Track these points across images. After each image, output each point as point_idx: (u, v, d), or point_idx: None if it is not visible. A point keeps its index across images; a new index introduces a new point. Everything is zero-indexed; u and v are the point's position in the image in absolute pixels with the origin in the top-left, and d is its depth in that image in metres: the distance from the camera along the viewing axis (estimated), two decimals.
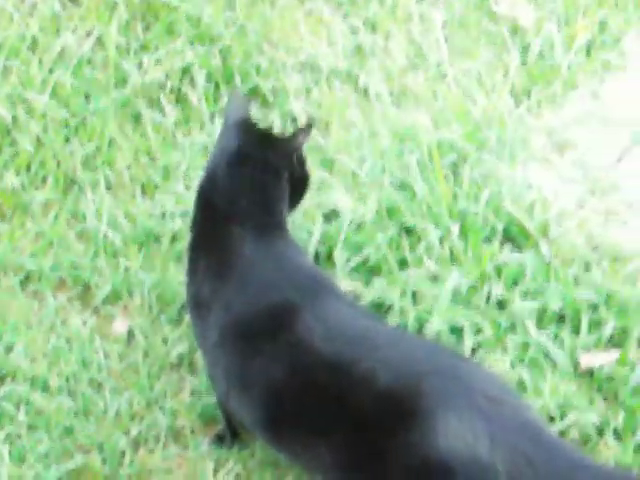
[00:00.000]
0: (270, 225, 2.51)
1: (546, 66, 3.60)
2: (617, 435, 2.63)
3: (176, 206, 3.17)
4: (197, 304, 2.53)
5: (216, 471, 2.59)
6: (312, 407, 2.29)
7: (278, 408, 2.36)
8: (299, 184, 2.59)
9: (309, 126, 2.63)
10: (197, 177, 3.19)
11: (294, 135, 2.53)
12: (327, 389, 2.25)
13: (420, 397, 2.11)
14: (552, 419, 2.61)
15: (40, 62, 3.24)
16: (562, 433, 2.60)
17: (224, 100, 3.44)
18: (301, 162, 2.57)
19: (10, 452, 2.58)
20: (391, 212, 3.03)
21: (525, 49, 3.66)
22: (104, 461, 2.60)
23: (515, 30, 3.71)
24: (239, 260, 2.45)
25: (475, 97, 3.42)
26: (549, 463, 2.07)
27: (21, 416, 2.68)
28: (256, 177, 2.51)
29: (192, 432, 2.70)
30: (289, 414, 2.35)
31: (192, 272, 2.55)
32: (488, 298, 2.85)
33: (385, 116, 3.33)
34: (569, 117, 3.50)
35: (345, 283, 2.85)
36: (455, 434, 2.07)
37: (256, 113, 3.40)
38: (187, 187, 3.22)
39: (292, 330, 2.32)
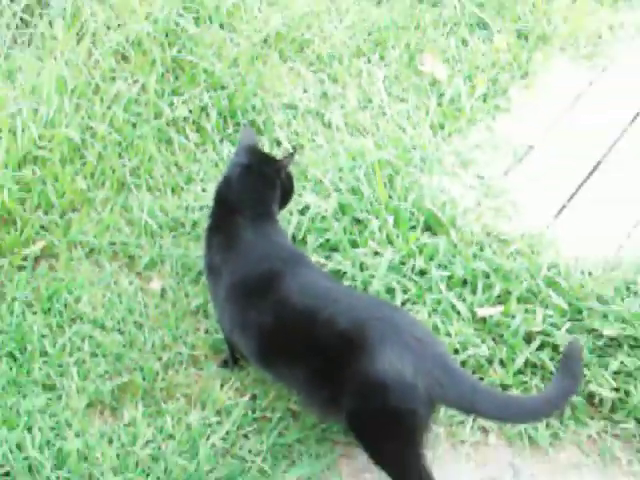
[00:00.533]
0: (264, 216, 2.51)
1: (455, 108, 3.57)
2: (502, 364, 2.60)
3: (195, 202, 3.14)
4: (211, 270, 2.53)
5: (222, 385, 2.55)
6: (290, 343, 2.28)
7: (266, 343, 2.35)
8: (287, 191, 2.62)
9: (293, 153, 2.67)
10: (211, 182, 3.17)
11: (284, 158, 2.56)
12: (301, 330, 2.26)
13: (365, 336, 2.13)
14: (456, 352, 2.60)
15: (101, 101, 3.18)
16: (463, 362, 2.58)
17: (229, 130, 3.42)
18: (289, 177, 2.61)
19: (78, 372, 2.53)
20: (345, 208, 2.99)
21: (441, 96, 3.64)
22: (143, 378, 2.55)
23: (434, 83, 3.69)
24: (241, 239, 2.46)
25: (405, 129, 3.39)
26: (453, 384, 2.09)
27: (85, 347, 2.62)
28: (257, 184, 2.54)
29: (205, 358, 2.65)
30: (274, 347, 2.34)
31: (208, 247, 2.55)
32: (413, 268, 2.82)
33: (342, 141, 3.30)
34: (471, 143, 3.48)
35: (313, 257, 2.79)
36: (389, 362, 2.09)
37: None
38: (203, 189, 3.18)
39: (277, 288, 2.33)
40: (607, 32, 4.19)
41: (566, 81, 3.89)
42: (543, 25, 4.07)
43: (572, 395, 2.19)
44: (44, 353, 2.60)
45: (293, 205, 2.98)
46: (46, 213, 2.99)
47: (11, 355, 2.59)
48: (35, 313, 2.71)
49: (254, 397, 2.54)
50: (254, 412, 2.50)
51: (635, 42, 4.22)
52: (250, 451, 2.39)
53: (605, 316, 2.67)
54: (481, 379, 2.57)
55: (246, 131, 2.73)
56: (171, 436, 2.39)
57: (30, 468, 2.26)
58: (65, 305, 2.75)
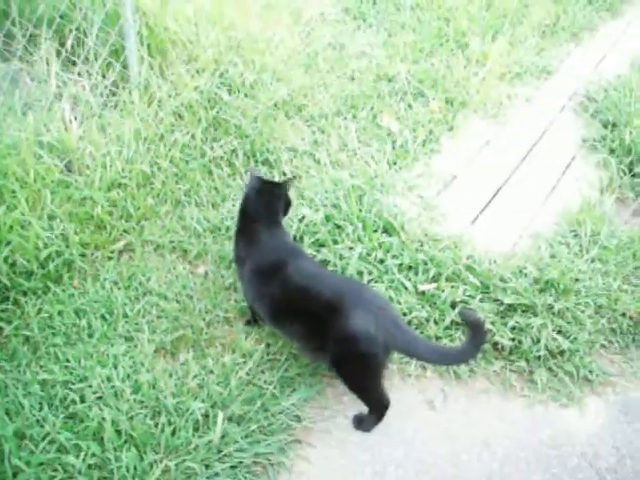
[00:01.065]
0: (273, 223, 2.47)
1: (404, 150, 3.58)
2: (435, 322, 2.63)
3: (228, 213, 3.11)
4: (238, 260, 2.50)
5: (246, 337, 2.54)
6: (292, 308, 2.28)
7: (276, 309, 2.34)
8: (288, 204, 2.56)
9: (292, 178, 2.67)
10: (238, 200, 3.15)
11: (285, 182, 2.53)
12: (299, 299, 2.26)
13: (343, 304, 2.15)
14: (405, 314, 2.61)
15: (164, 145, 3.17)
16: (409, 321, 2.61)
17: (250, 165, 3.40)
18: (288, 195, 2.55)
19: (148, 328, 2.52)
20: (329, 217, 2.96)
21: (394, 142, 3.63)
22: (193, 332, 2.54)
23: (389, 133, 3.69)
24: (258, 239, 2.42)
25: (370, 164, 3.39)
26: (402, 337, 2.13)
27: (153, 311, 2.61)
28: (267, 200, 2.49)
29: (235, 319, 2.63)
30: (281, 311, 2.33)
31: (236, 244, 2.51)
32: (375, 258, 2.80)
33: (327, 173, 3.29)
34: (414, 174, 3.47)
35: (307, 250, 2.78)
36: (359, 322, 2.12)
37: (266, 172, 3.36)
38: (233, 205, 3.15)
39: (283, 272, 2.31)
40: (506, 100, 4.20)
41: (479, 132, 3.89)
42: (463, 95, 4.07)
43: (479, 351, 2.22)
44: (125, 315, 2.58)
45: (294, 216, 2.98)
46: (127, 221, 2.97)
47: (103, 317, 2.57)
48: (119, 289, 2.69)
49: (268, 345, 2.53)
50: (268, 355, 2.49)
51: (524, 106, 4.23)
52: (265, 381, 2.39)
53: (505, 290, 2.70)
54: (421, 333, 2.58)
55: (253, 170, 2.68)
56: (211, 371, 2.38)
57: (116, 394, 2.26)
58: (140, 283, 2.73)
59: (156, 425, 2.17)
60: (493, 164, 3.63)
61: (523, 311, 2.65)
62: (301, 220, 2.97)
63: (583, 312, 2.69)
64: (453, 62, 4.31)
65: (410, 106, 3.92)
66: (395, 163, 3.50)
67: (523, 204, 3.35)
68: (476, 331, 2.10)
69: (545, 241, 3.04)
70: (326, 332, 2.17)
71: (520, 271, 2.80)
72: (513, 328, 2.60)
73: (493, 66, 4.21)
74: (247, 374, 2.39)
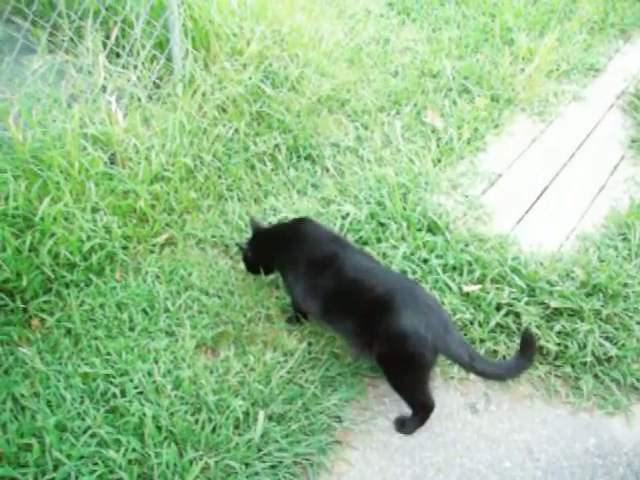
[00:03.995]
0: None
1: (448, 148, 3.50)
2: (479, 325, 2.55)
3: (270, 209, 3.08)
4: (281, 265, 2.53)
5: (288, 335, 2.52)
6: (344, 303, 2.25)
7: (328, 304, 2.30)
8: None
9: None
10: (281, 195, 3.13)
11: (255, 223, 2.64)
12: (351, 294, 2.23)
13: (394, 301, 2.11)
14: (448, 316, 2.50)
15: (207, 139, 3.14)
16: (453, 323, 2.50)
17: (294, 160, 3.38)
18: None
19: (190, 323, 2.49)
20: (373, 215, 2.93)
21: (438, 140, 3.55)
22: (234, 329, 2.51)
23: (434, 130, 3.61)
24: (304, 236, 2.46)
25: (414, 162, 3.32)
26: (451, 341, 2.08)
27: (195, 306, 2.58)
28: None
29: (277, 316, 2.60)
30: (333, 307, 2.29)
31: (272, 255, 2.54)
32: (419, 257, 2.75)
33: (372, 170, 3.24)
34: (459, 172, 3.40)
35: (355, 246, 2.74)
36: (409, 320, 2.07)
37: (309, 168, 3.32)
38: (277, 200, 3.12)
39: (335, 265, 2.29)
40: (553, 97, 4.09)
41: (524, 131, 3.80)
42: (509, 92, 3.98)
43: (526, 369, 2.19)
44: (166, 310, 2.56)
45: (337, 213, 2.94)
46: (169, 214, 2.95)
47: (144, 311, 2.55)
48: (161, 283, 2.68)
49: (310, 344, 2.49)
50: (309, 354, 2.46)
51: (572, 105, 4.11)
52: (306, 380, 2.35)
53: (551, 293, 2.61)
54: (465, 335, 2.52)
55: (254, 217, 2.68)
56: (252, 369, 2.35)
57: (157, 389, 2.24)
58: (181, 277, 2.71)
59: (196, 422, 2.15)
60: (539, 163, 3.53)
61: (570, 315, 2.57)
62: (344, 217, 2.92)
63: (631, 318, 2.59)
64: (499, 58, 4.20)
65: (455, 103, 3.84)
66: (440, 161, 3.43)
67: (570, 204, 3.25)
68: (526, 346, 2.06)
69: (593, 244, 2.95)
70: (375, 329, 2.14)
71: (567, 274, 2.71)
72: (559, 333, 2.52)
73: (540, 63, 4.09)
74: (288, 373, 2.36)
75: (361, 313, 2.18)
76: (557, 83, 4.26)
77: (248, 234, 2.93)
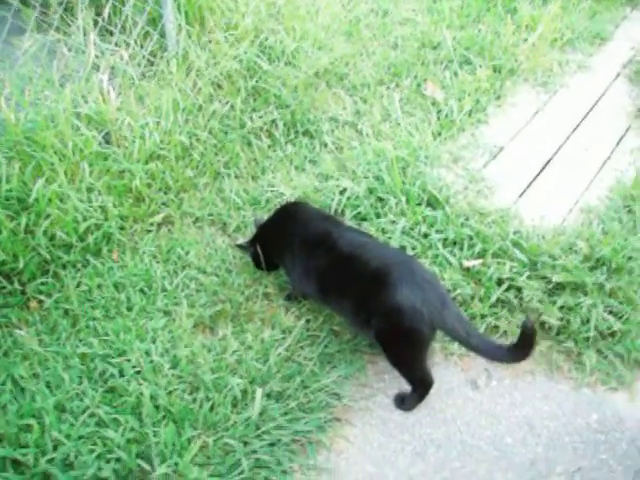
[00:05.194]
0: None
1: (449, 120, 3.47)
2: (480, 300, 2.56)
3: (268, 186, 3.07)
4: (279, 252, 2.52)
5: (286, 312, 2.54)
6: (339, 281, 2.25)
7: (323, 283, 2.31)
8: None
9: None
10: (279, 172, 3.12)
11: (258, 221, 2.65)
12: (346, 271, 2.22)
13: (389, 275, 2.11)
14: (449, 291, 2.55)
15: (203, 116, 3.14)
16: (453, 298, 2.54)
17: (291, 136, 3.37)
18: None
19: (187, 302, 2.52)
20: (372, 190, 2.92)
21: (439, 112, 3.53)
22: (232, 307, 2.53)
23: (434, 103, 3.59)
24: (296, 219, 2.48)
25: (414, 135, 3.30)
26: (449, 314, 2.07)
27: (192, 285, 2.60)
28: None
29: (275, 294, 2.62)
30: (328, 285, 2.30)
31: (267, 244, 2.55)
32: (419, 232, 2.76)
33: (370, 144, 3.22)
34: (460, 145, 3.38)
35: (349, 224, 2.75)
36: (405, 295, 2.07)
37: (307, 144, 3.32)
38: (273, 177, 3.12)
39: (329, 242, 2.28)
40: (557, 67, 4.05)
41: (527, 102, 3.77)
42: (512, 62, 3.94)
43: (521, 360, 2.17)
44: (164, 289, 2.58)
45: (335, 188, 2.94)
46: (165, 193, 2.96)
47: (142, 291, 2.57)
48: (158, 262, 2.69)
49: (308, 321, 2.51)
50: (308, 331, 2.47)
51: (577, 75, 4.08)
52: (305, 358, 2.37)
53: (554, 267, 2.61)
54: (466, 310, 2.53)
55: (256, 217, 2.73)
56: (250, 347, 2.37)
57: (154, 368, 2.26)
58: (178, 257, 2.72)
59: (194, 401, 2.17)
60: (542, 135, 3.51)
61: (572, 290, 2.56)
62: (342, 193, 2.92)
63: (636, 292, 2.57)
64: (501, 28, 4.15)
65: (456, 74, 3.81)
66: (440, 134, 3.41)
67: (573, 177, 3.23)
68: (526, 338, 2.05)
69: (597, 216, 2.94)
70: (371, 305, 2.14)
71: (570, 248, 2.71)
72: (561, 307, 2.51)
73: (543, 32, 4.05)
74: (286, 350, 2.38)
75: (357, 290, 2.18)
76: (561, 52, 4.22)
77: (245, 212, 2.95)
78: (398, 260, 2.18)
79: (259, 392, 2.17)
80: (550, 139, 3.48)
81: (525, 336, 2.04)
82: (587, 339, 2.46)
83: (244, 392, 2.22)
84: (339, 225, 2.40)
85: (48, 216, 2.56)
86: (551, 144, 3.45)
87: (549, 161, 3.33)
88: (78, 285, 2.58)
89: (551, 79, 3.95)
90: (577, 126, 3.61)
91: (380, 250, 2.26)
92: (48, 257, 2.56)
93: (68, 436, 2.04)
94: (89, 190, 2.72)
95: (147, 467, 1.99)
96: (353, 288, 2.20)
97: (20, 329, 2.40)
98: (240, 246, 2.67)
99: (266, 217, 2.67)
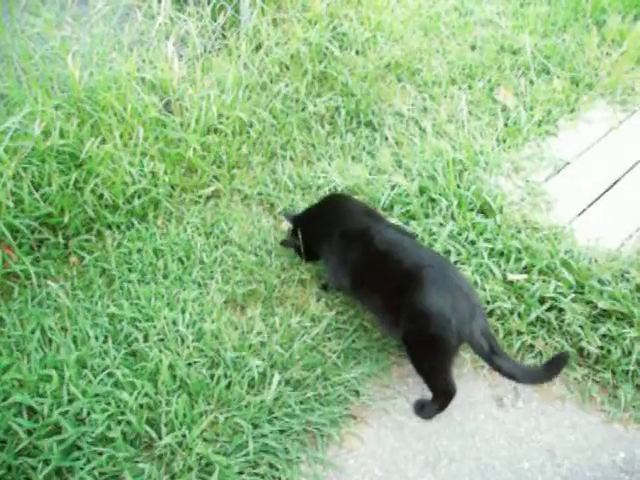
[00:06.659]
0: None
1: (516, 128, 3.34)
2: (519, 316, 2.44)
3: (322, 173, 3.02)
4: (318, 240, 2.45)
5: (317, 301, 2.49)
6: (372, 277, 2.20)
7: (356, 277, 2.26)
8: None
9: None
10: (334, 160, 3.07)
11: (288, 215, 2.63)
12: (379, 267, 2.17)
13: (421, 277, 2.05)
14: (488, 302, 2.46)
15: (267, 96, 3.12)
16: (491, 311, 2.46)
17: (353, 125, 3.32)
18: None
19: (222, 278, 2.52)
20: (424, 189, 2.85)
21: (507, 118, 3.39)
22: (265, 289, 2.51)
23: (504, 109, 3.46)
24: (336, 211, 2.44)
25: (477, 139, 3.19)
26: (477, 326, 2.00)
27: (229, 261, 2.59)
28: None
29: (310, 282, 2.57)
30: (361, 280, 2.24)
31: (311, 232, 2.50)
32: (466, 238, 2.66)
33: (430, 142, 3.12)
34: (524, 155, 3.24)
35: (396, 221, 2.69)
36: (434, 300, 2.02)
37: (367, 135, 3.25)
38: (329, 165, 3.07)
39: (366, 237, 2.23)
40: (639, 86, 3.85)
41: (602, 119, 3.58)
42: (591, 76, 3.76)
43: (543, 382, 2.23)
44: (201, 262, 2.58)
45: (387, 183, 2.88)
46: (218, 167, 2.95)
47: (180, 260, 2.58)
48: (200, 234, 2.69)
49: (339, 313, 2.47)
50: (337, 323, 2.43)
51: None
52: (329, 350, 2.33)
53: (601, 293, 2.48)
54: (503, 325, 2.43)
55: (285, 212, 2.71)
56: (276, 331, 2.34)
57: (178, 339, 2.26)
58: (221, 231, 2.72)
59: (212, 376, 2.16)
60: (613, 154, 3.33)
61: (618, 319, 2.43)
62: (393, 188, 2.85)
63: None
64: (586, 40, 3.97)
65: (531, 82, 3.67)
66: (505, 141, 3.29)
67: (638, 203, 3.06)
68: (557, 362, 2.00)
69: None
70: (401, 306, 2.08)
71: (622, 275, 2.56)
72: (604, 336, 2.39)
73: (629, 48, 3.85)
74: (312, 339, 2.34)
75: (388, 288, 2.12)
76: None
77: (295, 196, 2.92)
78: (433, 263, 2.10)
79: (276, 376, 2.15)
80: (620, 160, 3.30)
81: (555, 366, 2.00)
82: (626, 372, 2.33)
83: (263, 375, 2.19)
84: (380, 221, 2.34)
85: (98, 175, 2.58)
86: (620, 165, 3.27)
87: (616, 182, 3.16)
88: (119, 246, 2.60)
89: (631, 98, 3.75)
90: None
91: (416, 251, 2.18)
92: (93, 215, 2.59)
93: (84, 392, 2.06)
94: (142, 155, 2.73)
95: (154, 435, 1.99)
96: (385, 286, 2.14)
97: (57, 282, 2.44)
98: (284, 243, 2.63)
99: (297, 210, 2.63)
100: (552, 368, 2.01)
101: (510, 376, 2.07)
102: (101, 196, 2.60)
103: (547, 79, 3.71)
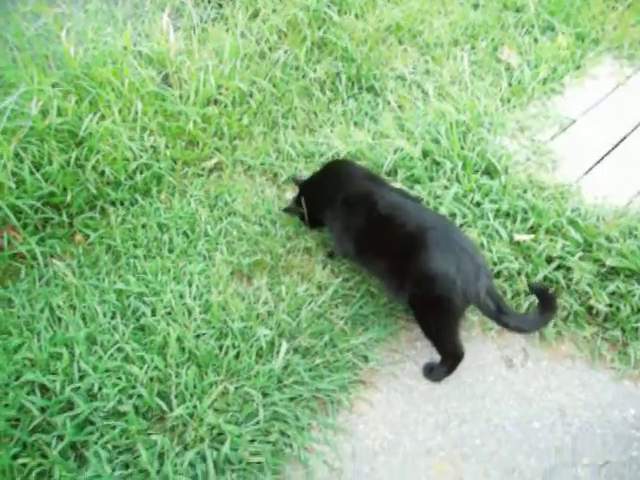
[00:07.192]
0: None
1: (520, 87, 3.29)
2: (527, 276, 2.43)
3: (324, 140, 2.99)
4: (322, 207, 2.43)
5: (323, 268, 2.49)
6: (376, 242, 2.19)
7: (361, 242, 2.25)
8: None
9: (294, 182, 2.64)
10: (336, 127, 3.04)
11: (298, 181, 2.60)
12: (383, 232, 2.16)
13: (425, 239, 2.04)
14: (495, 264, 2.45)
15: (267, 65, 3.12)
16: (499, 272, 2.44)
17: (355, 90, 3.29)
18: None
19: (227, 249, 2.51)
20: (427, 152, 2.82)
21: (511, 78, 3.34)
22: (271, 258, 2.50)
23: (508, 68, 3.41)
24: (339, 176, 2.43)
25: (480, 100, 3.14)
26: (482, 287, 2.00)
27: (234, 233, 2.59)
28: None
29: (315, 250, 2.57)
30: (365, 245, 2.24)
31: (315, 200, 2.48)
32: (471, 200, 2.64)
33: (432, 105, 3.08)
34: (529, 114, 3.20)
35: (400, 185, 2.67)
36: (439, 262, 2.00)
37: (370, 100, 3.22)
38: (331, 131, 3.04)
39: (369, 202, 2.21)
40: None
41: (609, 74, 3.52)
42: (597, 31, 3.69)
43: (550, 321, 2.21)
44: (206, 234, 2.58)
45: (390, 147, 2.85)
46: (220, 139, 2.94)
47: (185, 234, 2.59)
48: (204, 207, 2.69)
49: (346, 280, 2.47)
50: (344, 289, 2.43)
51: None
52: (337, 316, 2.33)
53: (609, 251, 2.46)
54: (510, 286, 2.42)
55: (294, 176, 2.71)
56: (283, 300, 2.34)
57: (186, 311, 2.27)
58: (225, 203, 2.72)
59: (220, 347, 2.17)
60: (620, 111, 3.28)
61: (626, 276, 2.41)
62: (396, 152, 2.83)
63: None
64: None
65: (536, 40, 3.61)
66: (509, 101, 3.24)
67: None
68: (545, 302, 2.01)
69: None
70: (406, 270, 2.07)
71: (630, 232, 2.54)
72: (612, 293, 2.37)
73: (636, 0, 3.76)
74: (319, 307, 2.34)
75: (392, 252, 2.11)
76: None
77: (298, 164, 2.90)
78: (436, 225, 2.08)
79: (284, 345, 2.15)
80: (628, 116, 3.25)
81: (542, 296, 2.02)
82: (636, 329, 2.32)
83: (271, 344, 2.20)
84: (382, 185, 2.32)
85: (98, 152, 2.57)
86: (628, 121, 3.22)
87: (623, 139, 3.12)
88: (123, 223, 2.60)
89: (638, 52, 3.67)
90: None
91: (419, 214, 2.16)
92: (96, 193, 2.59)
93: (95, 368, 2.08)
94: (142, 129, 2.72)
95: (165, 407, 2.00)
96: (389, 250, 2.13)
97: (63, 260, 2.45)
98: (288, 210, 2.63)
99: (305, 176, 2.61)
100: (545, 303, 2.03)
101: (519, 330, 2.13)
102: (103, 173, 2.60)
103: (552, 36, 3.65)
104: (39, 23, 2.71)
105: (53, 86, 2.58)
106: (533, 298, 2.38)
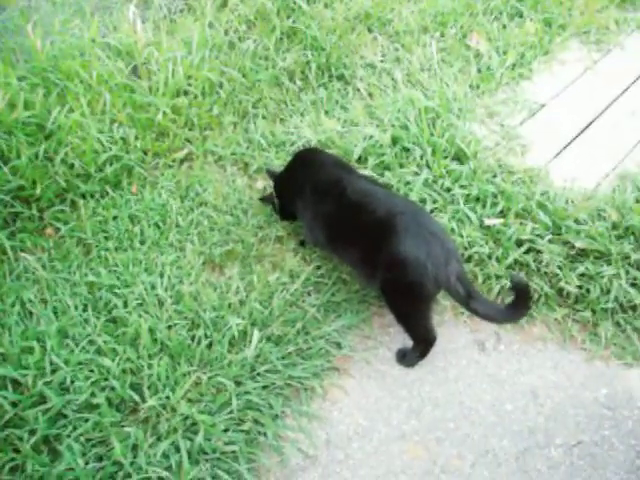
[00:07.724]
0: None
1: (489, 73, 3.31)
2: (497, 260, 2.45)
3: (295, 129, 2.99)
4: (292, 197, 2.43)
5: (295, 257, 2.49)
6: (346, 229, 2.18)
7: (331, 230, 2.25)
8: None
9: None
10: (308, 115, 3.03)
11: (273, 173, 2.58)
12: (352, 218, 2.15)
13: (394, 225, 2.03)
14: (466, 248, 2.46)
15: (236, 55, 3.07)
16: (470, 256, 2.47)
17: (324, 79, 3.27)
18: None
19: (199, 240, 2.50)
20: (397, 139, 2.82)
21: (479, 64, 3.36)
22: (243, 248, 2.49)
23: (477, 55, 3.42)
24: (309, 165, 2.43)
25: (449, 86, 3.15)
26: (452, 272, 2.00)
27: (205, 223, 2.57)
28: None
29: (287, 239, 2.56)
30: (336, 233, 2.24)
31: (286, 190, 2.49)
32: (441, 186, 2.65)
33: (401, 91, 3.08)
34: (498, 100, 3.22)
35: (370, 172, 2.66)
36: (409, 247, 2.00)
37: (339, 88, 3.20)
38: (301, 120, 3.03)
39: (338, 189, 2.21)
40: (613, 25, 3.79)
41: (576, 59, 3.55)
42: (565, 16, 3.72)
43: (522, 317, 2.22)
44: (177, 225, 2.56)
45: (360, 135, 2.84)
46: (190, 130, 2.91)
47: (156, 225, 2.56)
48: (175, 198, 2.67)
49: (317, 267, 2.47)
50: (316, 277, 2.43)
51: (634, 34, 3.81)
52: (309, 304, 2.33)
53: (578, 233, 2.47)
54: (481, 270, 2.44)
55: (268, 168, 2.67)
56: (255, 289, 2.33)
57: (157, 302, 2.25)
58: (196, 194, 2.70)
59: (193, 338, 2.16)
60: (588, 95, 3.31)
61: (595, 258, 2.43)
62: (365, 139, 2.82)
63: None
64: None
65: (504, 26, 3.62)
66: (478, 87, 3.25)
67: (615, 141, 3.04)
68: (522, 296, 1.99)
69: (632, 183, 2.75)
70: (377, 256, 2.07)
71: (598, 214, 2.56)
72: (582, 275, 2.39)
73: None
74: (291, 295, 2.33)
75: (363, 239, 2.11)
76: (620, 10, 3.96)
77: (269, 154, 2.88)
78: (406, 210, 2.08)
79: (256, 334, 2.14)
80: (596, 100, 3.28)
81: (519, 292, 1.98)
82: (605, 310, 2.34)
83: (243, 333, 2.19)
84: (351, 173, 2.32)
85: (67, 145, 2.54)
86: (596, 105, 3.25)
87: (591, 123, 3.14)
88: (94, 215, 2.57)
89: (606, 37, 3.71)
90: (626, 89, 3.38)
91: (388, 199, 2.15)
92: (66, 186, 2.56)
93: (67, 361, 2.05)
94: (112, 121, 2.69)
95: (138, 398, 1.99)
96: (359, 237, 2.13)
97: (34, 254, 2.42)
98: (263, 199, 2.62)
99: (277, 166, 2.60)
100: (520, 299, 2.00)
101: (488, 318, 2.10)
102: (72, 166, 2.57)
103: (520, 22, 3.67)
104: (5, 15, 2.67)
105: (20, 79, 2.54)
106: (504, 283, 2.39)
